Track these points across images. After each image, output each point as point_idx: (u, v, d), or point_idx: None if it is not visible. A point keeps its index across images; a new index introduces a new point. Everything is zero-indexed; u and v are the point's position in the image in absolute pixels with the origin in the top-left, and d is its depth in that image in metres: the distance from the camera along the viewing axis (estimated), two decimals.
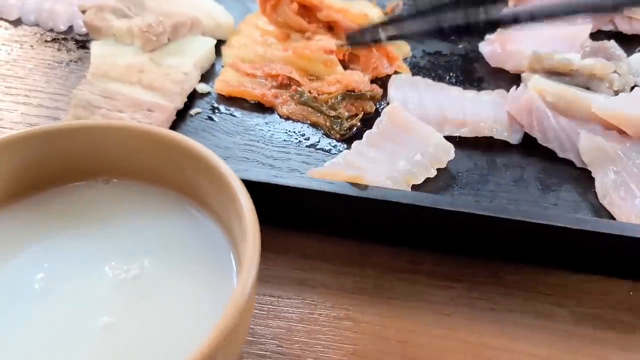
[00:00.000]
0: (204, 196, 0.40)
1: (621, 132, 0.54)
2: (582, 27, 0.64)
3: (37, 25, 0.70)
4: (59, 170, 0.42)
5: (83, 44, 0.67)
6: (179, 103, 0.57)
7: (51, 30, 0.70)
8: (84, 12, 0.65)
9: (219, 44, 0.66)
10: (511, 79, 0.63)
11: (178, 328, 0.34)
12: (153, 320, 0.34)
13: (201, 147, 0.39)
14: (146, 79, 0.58)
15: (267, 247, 0.48)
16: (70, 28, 0.70)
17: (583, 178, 0.53)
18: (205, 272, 0.37)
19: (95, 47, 0.62)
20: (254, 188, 0.45)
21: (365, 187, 0.46)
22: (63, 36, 0.69)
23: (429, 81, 0.61)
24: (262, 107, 0.59)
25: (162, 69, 0.59)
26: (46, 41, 0.68)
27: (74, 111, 0.54)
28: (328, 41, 0.60)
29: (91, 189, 0.43)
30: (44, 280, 0.36)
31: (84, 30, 0.69)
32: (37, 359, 0.33)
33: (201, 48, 0.63)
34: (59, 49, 0.67)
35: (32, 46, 0.68)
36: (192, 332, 0.34)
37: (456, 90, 0.60)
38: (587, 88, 0.59)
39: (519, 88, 0.58)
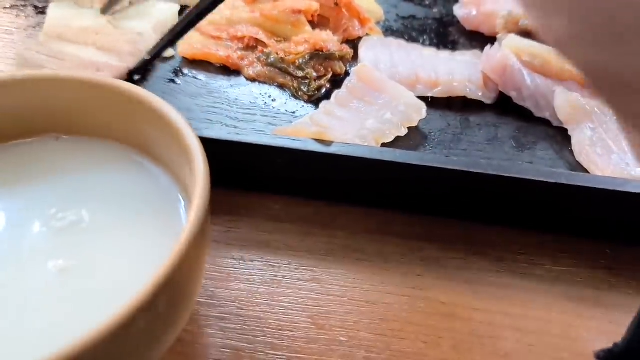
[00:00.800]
0: (155, 148, 0.38)
1: None
2: None
3: None
4: (7, 127, 0.40)
5: (42, 10, 0.65)
6: (131, 63, 0.55)
7: None
8: None
9: (185, 8, 0.64)
10: (487, 42, 0.60)
11: (131, 271, 0.33)
12: (107, 263, 0.33)
13: (151, 96, 0.37)
14: (101, 41, 0.56)
15: (231, 210, 0.46)
16: None
17: (559, 136, 0.51)
18: (155, 219, 0.35)
19: (52, 9, 0.59)
20: (215, 146, 0.43)
21: (330, 144, 0.44)
22: (22, 3, 0.66)
23: (402, 42, 0.59)
24: (227, 70, 0.57)
25: (119, 31, 0.57)
26: (5, 8, 0.65)
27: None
28: (296, 1, 0.58)
29: (41, 144, 0.41)
30: None
31: None
32: None
33: (164, 12, 0.61)
34: (17, 15, 0.64)
35: None
36: (143, 274, 0.32)
37: (430, 51, 0.58)
38: None
39: (493, 47, 0.56)
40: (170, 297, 0.28)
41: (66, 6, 0.60)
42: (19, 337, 0.30)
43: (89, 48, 0.54)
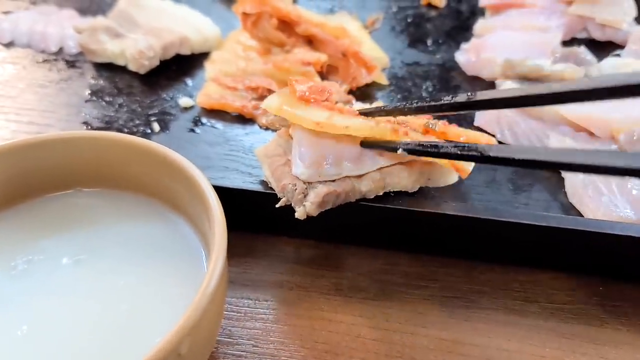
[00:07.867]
0: (178, 201, 0.42)
1: (591, 134, 0.55)
2: (553, 34, 0.66)
3: (30, 47, 0.73)
4: (44, 180, 0.45)
5: (72, 64, 0.70)
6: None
7: (43, 51, 0.72)
8: (79, 32, 0.68)
9: (204, 57, 0.68)
10: (486, 86, 0.65)
11: (155, 315, 0.37)
12: (134, 307, 0.37)
13: (176, 156, 0.41)
14: None
15: (246, 253, 0.50)
16: (61, 49, 0.72)
17: (554, 179, 0.54)
18: (178, 265, 0.39)
19: None
20: (231, 195, 0.47)
21: None
22: (54, 57, 0.71)
23: None
24: (242, 119, 0.61)
25: None
26: (38, 62, 0.71)
27: None
28: (306, 54, 0.62)
29: (75, 197, 0.46)
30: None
31: (73, 51, 0.71)
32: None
33: None
34: (49, 69, 0.69)
35: (24, 67, 0.70)
36: (167, 319, 0.36)
37: None
38: None
39: None
40: (191, 341, 0.31)
41: None
42: None
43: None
